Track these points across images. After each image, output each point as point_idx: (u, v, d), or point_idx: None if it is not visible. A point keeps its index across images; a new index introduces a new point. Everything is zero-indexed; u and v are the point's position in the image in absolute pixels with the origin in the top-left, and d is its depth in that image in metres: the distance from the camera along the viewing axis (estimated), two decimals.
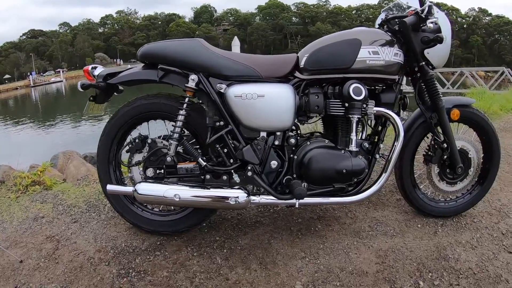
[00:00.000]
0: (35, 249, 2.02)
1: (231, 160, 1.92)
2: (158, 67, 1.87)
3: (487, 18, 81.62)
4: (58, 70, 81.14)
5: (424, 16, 1.90)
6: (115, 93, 2.03)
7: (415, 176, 2.29)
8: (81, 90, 1.87)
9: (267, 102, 1.84)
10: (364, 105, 1.87)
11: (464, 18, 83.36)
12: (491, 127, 2.22)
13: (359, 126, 2.01)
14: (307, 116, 1.95)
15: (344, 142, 1.94)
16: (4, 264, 1.90)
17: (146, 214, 2.08)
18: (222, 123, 1.91)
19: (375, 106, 1.94)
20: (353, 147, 1.90)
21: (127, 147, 2.00)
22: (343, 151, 1.92)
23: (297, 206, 1.91)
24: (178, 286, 1.74)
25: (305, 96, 1.91)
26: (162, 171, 1.94)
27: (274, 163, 1.93)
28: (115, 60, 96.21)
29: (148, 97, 1.98)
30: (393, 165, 2.01)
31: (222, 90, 1.85)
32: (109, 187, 1.98)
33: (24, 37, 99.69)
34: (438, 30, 1.93)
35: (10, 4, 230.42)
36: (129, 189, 1.93)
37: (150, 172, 1.95)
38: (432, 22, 1.88)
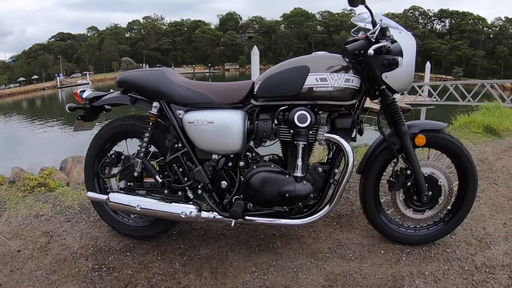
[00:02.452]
0: (31, 242, 2.37)
1: (186, 179, 2.12)
2: (128, 94, 2.13)
3: None
4: (85, 72, 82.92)
5: (374, 40, 1.88)
6: (104, 111, 2.30)
7: (381, 201, 2.25)
8: (69, 111, 2.17)
9: (216, 128, 1.98)
10: (311, 132, 1.94)
11: (491, 28, 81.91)
12: (465, 153, 2.10)
13: (310, 150, 2.06)
14: (261, 140, 2.05)
15: (292, 167, 2.00)
16: (5, 252, 2.26)
17: (121, 219, 2.38)
18: (180, 145, 2.09)
19: (332, 131, 1.98)
20: (298, 172, 1.97)
21: (105, 161, 2.26)
22: (287, 176, 1.99)
23: (232, 225, 2.05)
24: (137, 284, 1.98)
25: (256, 121, 1.99)
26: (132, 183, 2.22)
27: (224, 184, 2.10)
28: (140, 64, 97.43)
29: (124, 119, 2.24)
30: (341, 193, 2.02)
31: (180, 116, 2.04)
32: (89, 194, 2.30)
33: (52, 39, 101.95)
34: (398, 52, 1.89)
35: (40, 6, 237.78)
36: (104, 197, 2.23)
37: (122, 184, 2.24)
38: (375, 49, 1.84)
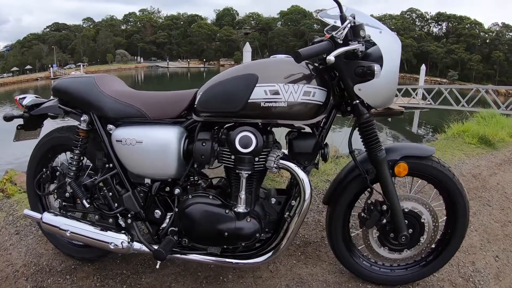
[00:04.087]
0: None
1: (116, 204, 1.82)
2: (58, 106, 1.87)
3: (510, 33, 79.79)
4: (79, 64, 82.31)
5: (341, 42, 1.45)
6: (49, 118, 2.03)
7: (352, 235, 1.92)
8: (5, 121, 1.91)
9: (146, 150, 1.65)
10: (259, 158, 1.58)
11: (487, 33, 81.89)
12: (456, 186, 1.72)
13: (260, 179, 1.70)
14: (201, 164, 1.68)
15: (235, 199, 1.65)
16: None
17: (63, 238, 2.10)
18: (112, 165, 1.79)
19: (290, 155, 1.63)
20: (240, 207, 1.62)
21: (41, 177, 2.02)
22: (227, 211, 1.64)
23: (157, 267, 1.79)
24: None
25: (195, 141, 1.64)
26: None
27: (157, 213, 1.79)
28: (135, 57, 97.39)
29: (61, 130, 1.99)
30: (296, 230, 1.66)
31: (111, 132, 1.74)
32: (25, 211, 2.03)
33: (48, 29, 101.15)
34: (378, 57, 1.48)
35: None
36: (38, 215, 1.96)
37: (57, 203, 1.98)
38: (339, 54, 1.41)
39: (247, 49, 15.13)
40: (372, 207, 1.71)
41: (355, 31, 1.46)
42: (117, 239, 1.76)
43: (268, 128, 1.64)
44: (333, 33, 1.45)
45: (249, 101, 1.49)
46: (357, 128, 1.64)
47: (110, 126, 1.74)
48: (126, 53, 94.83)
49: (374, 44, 1.53)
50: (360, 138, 1.66)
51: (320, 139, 1.63)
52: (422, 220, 1.74)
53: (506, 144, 4.81)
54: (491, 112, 6.28)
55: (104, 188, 1.83)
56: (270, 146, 1.61)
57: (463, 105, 18.86)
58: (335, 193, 1.77)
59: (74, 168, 1.87)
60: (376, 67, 1.40)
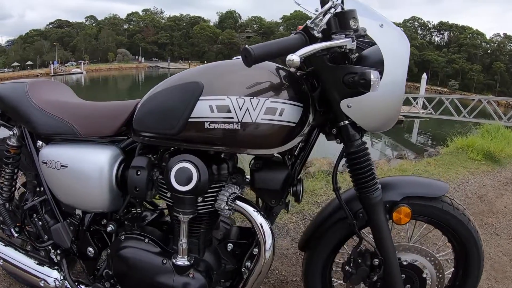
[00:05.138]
0: None
1: (46, 236, 1.51)
2: None
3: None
4: (80, 61, 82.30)
5: (319, 35, 1.03)
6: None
7: (334, 285, 1.52)
8: None
9: (70, 176, 1.32)
10: (203, 198, 1.20)
11: (489, 43, 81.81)
12: (471, 233, 1.32)
13: (210, 223, 1.32)
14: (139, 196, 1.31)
15: (177, 246, 1.27)
16: None
17: None
18: (42, 189, 1.49)
19: (253, 189, 1.26)
20: (179, 259, 1.24)
21: None
22: (164, 261, 1.26)
23: None
24: None
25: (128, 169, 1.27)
26: None
27: (90, 251, 1.44)
28: (137, 57, 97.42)
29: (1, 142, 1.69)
30: None
31: (41, 150, 1.41)
32: None
33: (50, 26, 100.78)
34: (377, 61, 1.07)
35: None
36: None
37: None
38: (306, 55, 0.99)
39: None
40: (360, 260, 1.28)
41: (342, 19, 1.04)
42: (49, 276, 1.48)
43: (222, 156, 1.26)
44: (308, 22, 1.03)
45: (189, 120, 1.10)
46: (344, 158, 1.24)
47: (39, 143, 1.43)
48: (128, 52, 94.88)
49: (372, 43, 1.13)
50: (349, 173, 1.24)
51: (292, 171, 1.26)
52: (424, 275, 1.35)
53: None
54: (496, 125, 6.13)
55: (35, 216, 1.54)
56: (222, 180, 1.23)
57: (464, 115, 18.74)
58: (314, 238, 1.39)
59: (5, 189, 1.60)
60: (373, 74, 0.97)
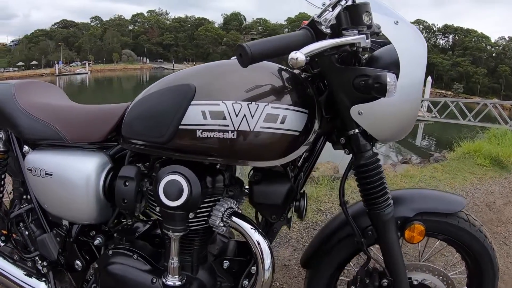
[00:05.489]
0: None
1: (33, 247, 1.43)
2: None
3: None
4: (85, 62, 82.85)
5: (327, 31, 0.91)
6: None
7: None
8: None
9: (55, 185, 1.22)
10: (195, 214, 1.08)
11: (494, 46, 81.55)
12: (488, 250, 1.21)
13: (203, 240, 1.20)
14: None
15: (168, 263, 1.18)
16: None
17: None
18: (29, 196, 1.41)
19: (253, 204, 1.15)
20: (169, 279, 1.12)
21: None
22: (154, 279, 1.15)
23: None
24: None
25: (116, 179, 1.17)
26: None
27: (77, 264, 1.34)
28: (141, 58, 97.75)
29: None
30: None
31: (27, 156, 1.32)
32: None
33: (55, 26, 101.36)
34: (392, 63, 0.97)
35: None
36: None
37: None
38: (313, 54, 0.87)
39: None
40: (367, 280, 1.18)
41: (353, 14, 0.92)
42: (33, 286, 1.40)
43: (218, 166, 1.13)
44: (315, 16, 0.91)
45: (180, 127, 0.99)
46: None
47: (25, 148, 1.33)
48: (132, 53, 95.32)
49: (384, 42, 1.05)
50: (358, 186, 1.11)
51: (295, 184, 1.14)
52: None
53: None
54: (503, 130, 6.05)
55: (21, 225, 1.46)
56: (217, 193, 1.11)
57: (469, 119, 18.61)
58: (317, 255, 1.28)
59: None
60: (390, 78, 0.85)
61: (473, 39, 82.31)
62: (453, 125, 18.31)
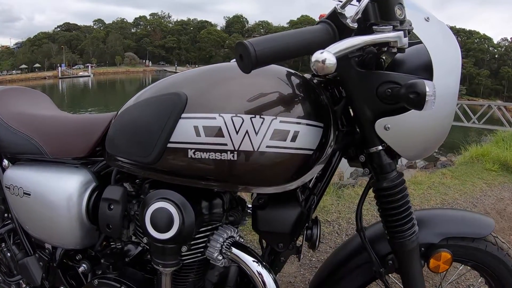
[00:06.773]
0: None
1: (15, 271, 1.29)
2: None
3: None
4: (87, 64, 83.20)
5: (353, 26, 0.73)
6: None
7: None
8: None
9: (33, 205, 1.06)
10: (189, 246, 0.90)
11: (496, 48, 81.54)
12: None
13: (200, 272, 1.01)
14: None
15: None
16: None
17: None
18: (10, 215, 1.27)
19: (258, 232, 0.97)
20: None
21: None
22: None
23: None
24: None
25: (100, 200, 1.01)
26: None
27: None
28: (144, 61, 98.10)
29: None
30: None
31: (6, 171, 1.18)
32: None
33: (58, 29, 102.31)
34: (423, 66, 0.81)
35: None
36: None
37: None
38: (337, 53, 0.67)
39: None
40: None
41: (383, 7, 0.75)
42: None
43: (215, 190, 0.95)
44: (337, 6, 0.73)
45: (168, 145, 0.81)
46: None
47: (5, 163, 1.20)
48: (135, 56, 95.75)
49: (415, 41, 0.86)
50: (378, 210, 0.93)
51: (306, 208, 0.96)
52: None
53: None
54: (510, 133, 5.95)
55: (3, 245, 1.30)
56: (215, 220, 0.94)
57: (474, 122, 18.46)
58: (330, 281, 1.11)
59: None
60: (429, 87, 0.69)
61: (476, 41, 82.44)
62: (457, 127, 18.16)
